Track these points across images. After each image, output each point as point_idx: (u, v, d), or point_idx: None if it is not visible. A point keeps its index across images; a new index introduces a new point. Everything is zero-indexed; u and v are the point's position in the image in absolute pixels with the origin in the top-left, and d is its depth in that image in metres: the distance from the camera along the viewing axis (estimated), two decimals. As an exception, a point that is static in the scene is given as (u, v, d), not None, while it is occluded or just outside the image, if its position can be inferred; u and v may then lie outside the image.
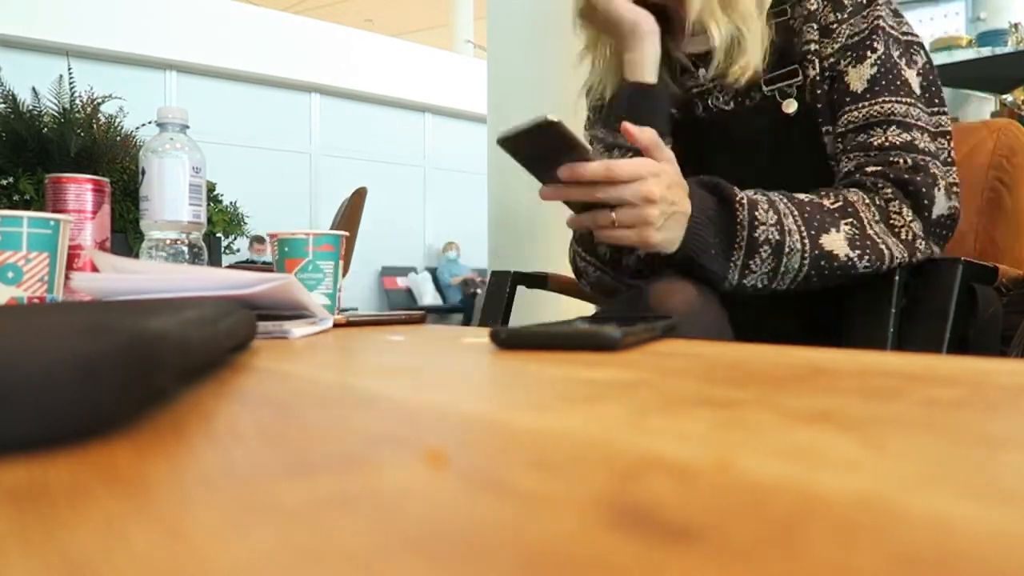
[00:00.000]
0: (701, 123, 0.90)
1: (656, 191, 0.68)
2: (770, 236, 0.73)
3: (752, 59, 0.83)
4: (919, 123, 0.80)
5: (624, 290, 0.90)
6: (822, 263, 0.74)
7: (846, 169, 0.81)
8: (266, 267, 1.00)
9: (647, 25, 0.86)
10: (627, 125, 0.71)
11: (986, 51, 2.68)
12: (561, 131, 0.64)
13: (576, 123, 1.04)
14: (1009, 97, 2.82)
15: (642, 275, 0.86)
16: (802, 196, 0.77)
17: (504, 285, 1.18)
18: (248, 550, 0.12)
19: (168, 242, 0.87)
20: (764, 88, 0.85)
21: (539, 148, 0.68)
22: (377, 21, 10.49)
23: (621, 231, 0.70)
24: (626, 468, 0.17)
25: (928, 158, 0.78)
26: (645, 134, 0.71)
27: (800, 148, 0.85)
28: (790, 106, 0.83)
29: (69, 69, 1.77)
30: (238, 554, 0.12)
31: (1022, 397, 0.27)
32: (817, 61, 0.83)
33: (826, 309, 0.79)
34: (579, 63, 0.97)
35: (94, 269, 0.79)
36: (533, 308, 1.59)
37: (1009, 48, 2.68)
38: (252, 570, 0.11)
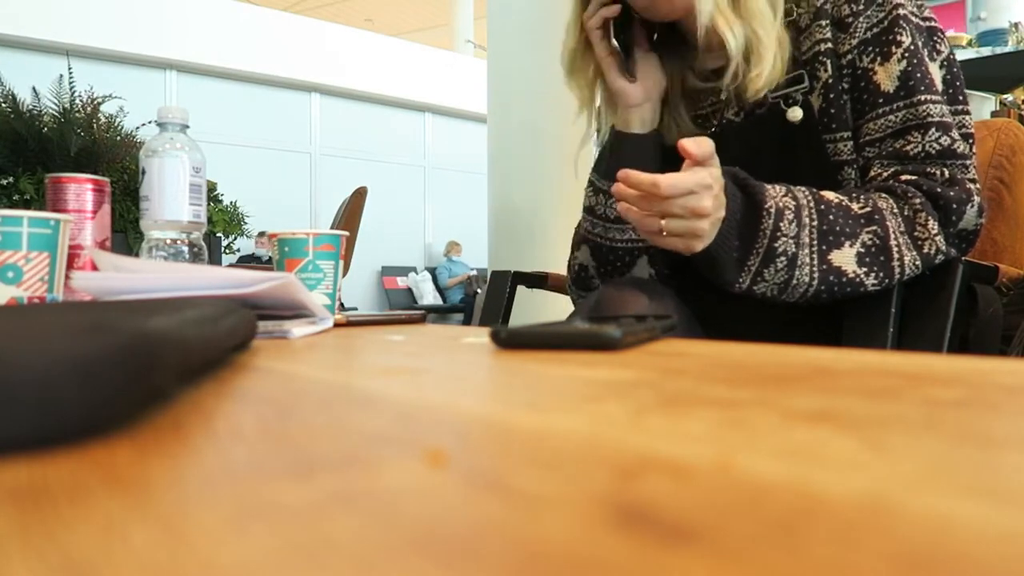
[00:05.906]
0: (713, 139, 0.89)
1: (708, 205, 0.67)
2: (787, 248, 0.72)
3: (768, 64, 0.78)
4: (953, 122, 0.76)
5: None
6: (831, 278, 0.73)
7: (879, 175, 0.77)
8: (269, 264, 1.01)
9: (632, 99, 0.87)
10: (683, 141, 0.67)
11: (986, 51, 2.67)
12: None
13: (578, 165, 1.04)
14: (1009, 97, 2.82)
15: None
16: (832, 198, 0.74)
17: (504, 285, 1.18)
18: (248, 550, 0.12)
19: (168, 242, 0.87)
20: (769, 96, 0.81)
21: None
22: (377, 21, 10.48)
23: (669, 239, 0.70)
24: (626, 468, 0.17)
25: (967, 162, 0.75)
26: (702, 147, 0.68)
27: (805, 157, 0.81)
28: (795, 114, 0.80)
29: (69, 69, 1.77)
30: (238, 554, 0.12)
31: (1022, 397, 0.27)
32: (831, 60, 0.79)
33: (826, 308, 0.79)
34: (576, 118, 0.95)
35: (94, 268, 0.79)
36: (533, 308, 1.60)
37: (1009, 48, 2.68)
38: (252, 570, 0.11)
